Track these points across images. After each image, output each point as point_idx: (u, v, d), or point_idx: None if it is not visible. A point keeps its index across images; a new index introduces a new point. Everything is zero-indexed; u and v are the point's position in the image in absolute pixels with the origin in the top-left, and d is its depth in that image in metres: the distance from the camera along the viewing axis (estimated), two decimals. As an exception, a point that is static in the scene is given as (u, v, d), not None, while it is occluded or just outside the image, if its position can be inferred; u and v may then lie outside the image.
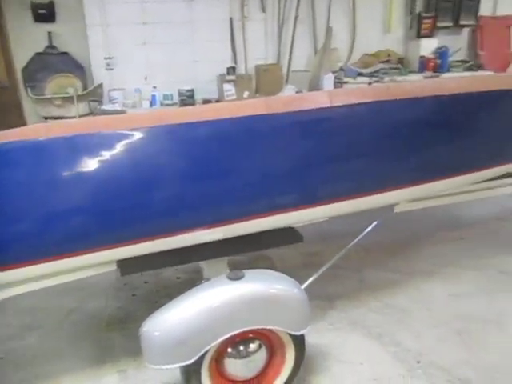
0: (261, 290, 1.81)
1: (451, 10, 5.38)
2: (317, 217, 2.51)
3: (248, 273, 1.88)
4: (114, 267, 2.06)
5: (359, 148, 2.36)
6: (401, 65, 5.30)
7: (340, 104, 2.52)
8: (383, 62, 5.27)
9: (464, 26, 5.57)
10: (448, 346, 2.36)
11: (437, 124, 2.54)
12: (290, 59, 5.35)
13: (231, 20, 5.14)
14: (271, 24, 5.27)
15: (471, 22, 5.52)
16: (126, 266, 2.01)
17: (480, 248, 3.40)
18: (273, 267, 3.34)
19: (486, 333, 2.45)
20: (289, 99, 3.58)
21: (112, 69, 5.01)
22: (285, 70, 5.37)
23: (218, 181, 1.99)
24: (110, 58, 4.94)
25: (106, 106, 4.82)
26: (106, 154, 1.83)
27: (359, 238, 2.65)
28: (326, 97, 3.61)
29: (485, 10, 5.65)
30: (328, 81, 4.91)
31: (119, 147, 1.84)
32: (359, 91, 3.73)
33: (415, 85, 3.94)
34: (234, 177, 2.03)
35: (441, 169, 2.81)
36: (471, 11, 5.45)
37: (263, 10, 5.14)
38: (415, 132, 2.48)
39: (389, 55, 5.34)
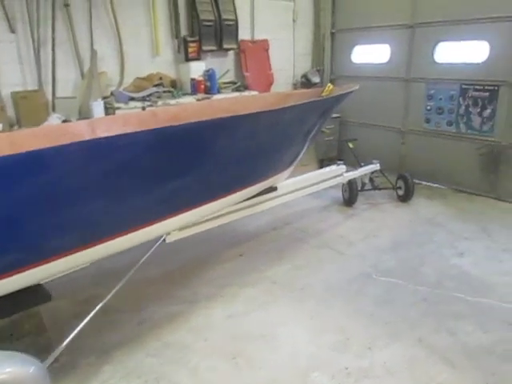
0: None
1: (214, 34, 5.63)
2: (75, 265, 2.24)
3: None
4: None
5: (119, 183, 2.17)
6: (173, 87, 5.33)
7: (103, 135, 2.25)
8: (156, 85, 5.21)
9: (228, 49, 5.91)
10: (222, 374, 2.33)
11: (199, 149, 2.51)
12: (53, 85, 4.84)
13: (-27, 41, 4.43)
14: (25, 46, 4.69)
15: (233, 46, 5.88)
16: None
17: (256, 262, 3.55)
18: (41, 325, 2.89)
19: (257, 351, 2.50)
20: (41, 132, 3.18)
21: None
22: (50, 96, 4.85)
23: None
24: None
25: None
26: None
27: (123, 281, 2.45)
28: (87, 126, 3.33)
29: (244, 34, 6.10)
30: (98, 107, 4.59)
31: None
32: (122, 119, 3.55)
33: (181, 108, 3.98)
34: None
35: (204, 193, 2.81)
36: (232, 36, 5.81)
37: (12, 30, 4.55)
38: (178, 159, 2.40)
39: (161, 78, 5.30)
